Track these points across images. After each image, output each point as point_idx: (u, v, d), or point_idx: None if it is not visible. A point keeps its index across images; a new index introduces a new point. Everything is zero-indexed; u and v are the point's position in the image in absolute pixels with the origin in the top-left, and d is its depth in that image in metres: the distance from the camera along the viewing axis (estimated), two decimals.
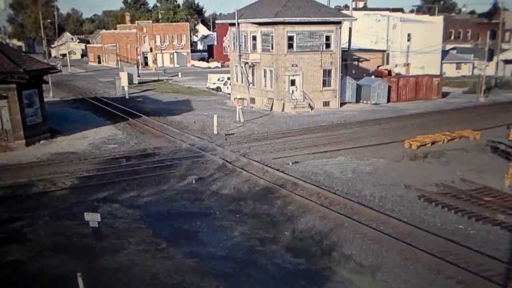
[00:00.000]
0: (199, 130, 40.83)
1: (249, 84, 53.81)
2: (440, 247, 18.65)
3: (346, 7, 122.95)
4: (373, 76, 62.04)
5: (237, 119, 44.15)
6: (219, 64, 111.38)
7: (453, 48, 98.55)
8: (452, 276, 16.72)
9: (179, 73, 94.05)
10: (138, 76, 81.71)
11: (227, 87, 63.86)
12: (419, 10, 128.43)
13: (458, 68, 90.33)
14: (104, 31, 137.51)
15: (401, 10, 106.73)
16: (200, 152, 33.27)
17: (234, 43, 56.06)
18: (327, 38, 50.79)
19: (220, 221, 21.94)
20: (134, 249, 18.69)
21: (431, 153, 33.06)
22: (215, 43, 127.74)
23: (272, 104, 50.82)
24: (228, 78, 63.34)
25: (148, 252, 18.48)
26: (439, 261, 17.42)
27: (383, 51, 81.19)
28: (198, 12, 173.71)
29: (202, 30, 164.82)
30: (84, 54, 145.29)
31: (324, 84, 51.71)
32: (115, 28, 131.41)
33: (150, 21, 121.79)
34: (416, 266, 17.56)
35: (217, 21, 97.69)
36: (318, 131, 40.34)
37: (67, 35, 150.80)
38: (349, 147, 34.53)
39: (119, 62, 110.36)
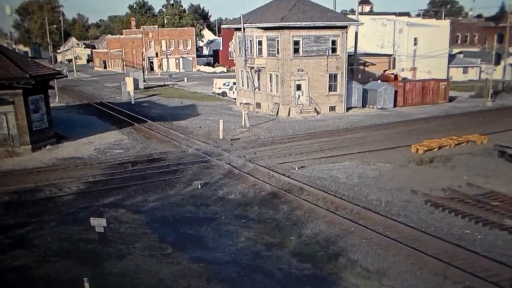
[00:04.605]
0: (205, 135, 40.84)
1: (254, 89, 53.80)
2: (447, 252, 18.54)
3: (352, 11, 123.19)
4: (379, 81, 61.91)
5: (243, 124, 44.11)
6: (224, 69, 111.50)
7: (460, 52, 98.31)
8: (459, 281, 16.60)
9: (185, 78, 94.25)
10: (144, 81, 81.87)
11: (233, 92, 63.90)
12: (425, 14, 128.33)
13: (465, 72, 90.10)
14: (109, 36, 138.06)
15: (407, 14, 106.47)
16: (206, 157, 33.25)
17: (239, 48, 56.13)
18: (333, 42, 50.75)
19: (226, 226, 21.91)
20: (140, 254, 18.68)
21: (438, 158, 32.93)
22: (221, 48, 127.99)
23: (278, 109, 50.78)
24: (234, 83, 63.40)
25: (154, 257, 18.47)
26: (446, 266, 17.32)
27: (390, 55, 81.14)
28: (203, 17, 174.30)
29: (207, 35, 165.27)
30: (90, 59, 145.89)
31: (330, 89, 51.63)
32: (121, 33, 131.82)
33: (156, 26, 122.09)
34: (423, 271, 17.46)
35: (222, 26, 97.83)
36: (324, 136, 40.26)
37: (73, 40, 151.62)
38: (355, 152, 34.43)
39: (124, 67, 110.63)
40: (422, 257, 18.09)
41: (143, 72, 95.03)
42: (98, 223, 19.18)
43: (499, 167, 31.16)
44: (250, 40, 53.58)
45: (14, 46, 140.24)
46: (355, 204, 23.95)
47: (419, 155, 33.81)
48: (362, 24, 58.37)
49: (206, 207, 24.42)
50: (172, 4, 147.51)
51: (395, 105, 56.20)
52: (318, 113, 50.91)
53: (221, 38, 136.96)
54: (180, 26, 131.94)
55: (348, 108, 53.34)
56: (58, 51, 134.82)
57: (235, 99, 61.01)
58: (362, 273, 17.46)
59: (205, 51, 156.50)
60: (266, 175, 29.00)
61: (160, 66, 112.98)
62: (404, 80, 67.28)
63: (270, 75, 51.76)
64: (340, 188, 26.88)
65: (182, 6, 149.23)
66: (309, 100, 50.78)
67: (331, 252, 19.12)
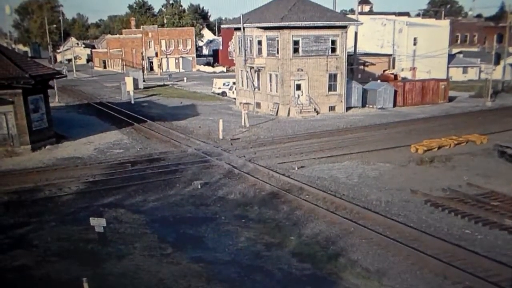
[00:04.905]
0: (205, 135, 40.83)
1: (254, 88, 53.80)
2: (447, 252, 18.53)
3: (352, 11, 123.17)
4: (379, 81, 61.90)
5: (243, 123, 44.10)
6: (224, 69, 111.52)
7: (460, 52, 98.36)
8: (459, 281, 16.59)
9: (185, 78, 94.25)
10: (144, 81, 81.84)
11: (233, 92, 63.89)
12: (425, 14, 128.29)
13: (464, 72, 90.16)
14: (109, 36, 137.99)
15: (407, 14, 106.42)
16: (206, 157, 33.24)
17: (239, 48, 56.11)
18: (333, 42, 50.75)
19: (226, 226, 21.90)
20: (140, 254, 18.67)
21: (438, 158, 32.95)
22: (221, 48, 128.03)
23: (278, 109, 50.78)
24: (234, 83, 63.39)
25: (154, 257, 18.46)
26: (446, 266, 17.31)
27: (389, 55, 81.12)
28: (203, 16, 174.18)
29: (207, 34, 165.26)
30: (89, 59, 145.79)
31: (329, 89, 51.64)
32: (121, 33, 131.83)
33: (156, 26, 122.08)
34: (422, 271, 17.46)
35: (222, 26, 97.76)
36: (324, 136, 40.26)
37: (72, 40, 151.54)
38: (355, 152, 34.43)
39: (124, 67, 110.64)
40: (422, 257, 18.08)
41: (143, 72, 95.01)
42: (98, 223, 19.17)
43: (499, 167, 31.17)
44: (250, 40, 53.56)
45: (13, 45, 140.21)
46: (355, 204, 23.94)
47: (419, 155, 33.82)
48: (362, 24, 58.38)
49: (206, 207, 24.41)
50: (172, 4, 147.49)
51: (394, 105, 56.21)
52: (317, 113, 50.91)
53: (220, 38, 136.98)
54: (180, 26, 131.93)
55: (348, 108, 53.35)
56: (58, 50, 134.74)
57: (234, 99, 60.98)
58: (362, 273, 17.45)
59: (205, 51, 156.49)
60: (266, 175, 28.99)
61: (160, 66, 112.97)
62: (404, 80, 67.26)
63: (270, 75, 51.75)
64: (340, 188, 26.88)
65: (181, 6, 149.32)
66: (309, 100, 50.78)
67: (331, 252, 19.11)
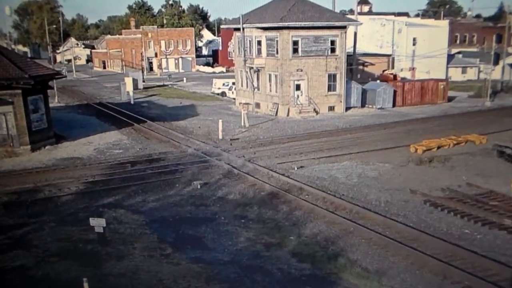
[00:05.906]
0: (204, 135, 40.85)
1: (254, 89, 53.83)
2: (446, 252, 18.56)
3: (351, 11, 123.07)
4: (378, 81, 61.95)
5: (242, 124, 44.13)
6: (224, 69, 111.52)
7: (459, 52, 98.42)
8: (459, 281, 16.63)
9: (184, 78, 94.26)
10: (143, 81, 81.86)
11: (232, 92, 63.93)
12: (424, 15, 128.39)
13: (464, 72, 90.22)
14: (109, 36, 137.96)
15: (406, 14, 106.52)
16: (205, 157, 33.26)
17: (239, 48, 56.13)
18: (332, 42, 50.79)
19: (225, 226, 21.93)
20: (140, 255, 18.70)
21: (437, 158, 32.95)
22: (220, 48, 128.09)
23: (277, 109, 50.79)
24: (233, 83, 63.41)
25: (154, 258, 18.50)
26: (446, 266, 17.35)
27: (389, 55, 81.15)
28: (202, 17, 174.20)
29: (207, 35, 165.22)
30: (89, 60, 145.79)
31: (329, 89, 51.68)
32: (120, 34, 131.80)
33: (155, 26, 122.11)
34: (422, 271, 17.48)
35: (222, 26, 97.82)
36: (323, 136, 40.28)
37: (72, 40, 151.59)
38: (354, 152, 34.45)
39: (124, 67, 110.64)
40: (422, 257, 18.11)
41: (142, 72, 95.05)
42: (98, 223, 19.20)
43: (498, 167, 31.19)
44: (249, 40, 53.58)
45: (13, 46, 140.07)
46: (354, 204, 23.96)
47: (418, 155, 33.83)
48: (361, 24, 58.42)
49: (205, 207, 24.43)
50: (172, 4, 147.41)
51: (394, 105, 56.23)
52: (317, 113, 50.93)
53: (220, 38, 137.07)
54: (179, 26, 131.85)
55: (347, 108, 53.36)
56: (58, 51, 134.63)
57: (234, 99, 61.01)
58: (361, 273, 17.48)
59: (204, 51, 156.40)
60: (265, 175, 29.01)
61: (160, 66, 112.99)
62: (403, 80, 67.30)
63: (269, 75, 51.77)
64: (339, 188, 26.90)
65: (181, 7, 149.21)
66: (308, 100, 50.80)
67: (331, 252, 19.14)
